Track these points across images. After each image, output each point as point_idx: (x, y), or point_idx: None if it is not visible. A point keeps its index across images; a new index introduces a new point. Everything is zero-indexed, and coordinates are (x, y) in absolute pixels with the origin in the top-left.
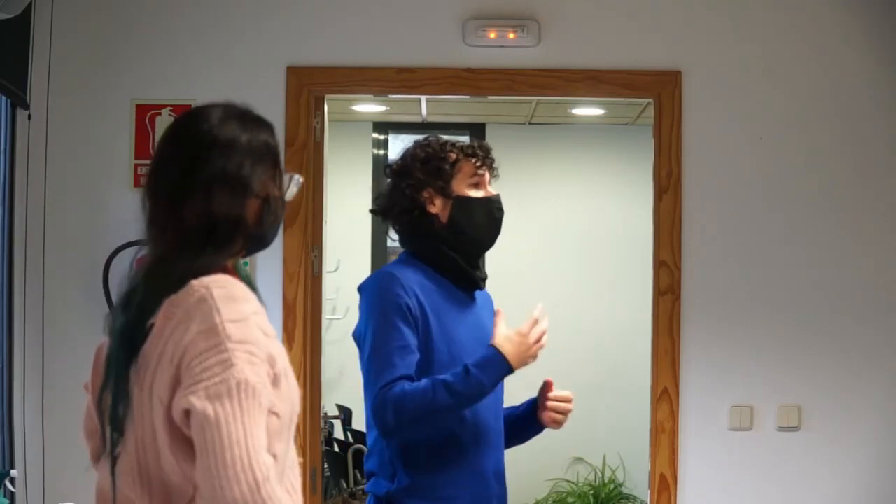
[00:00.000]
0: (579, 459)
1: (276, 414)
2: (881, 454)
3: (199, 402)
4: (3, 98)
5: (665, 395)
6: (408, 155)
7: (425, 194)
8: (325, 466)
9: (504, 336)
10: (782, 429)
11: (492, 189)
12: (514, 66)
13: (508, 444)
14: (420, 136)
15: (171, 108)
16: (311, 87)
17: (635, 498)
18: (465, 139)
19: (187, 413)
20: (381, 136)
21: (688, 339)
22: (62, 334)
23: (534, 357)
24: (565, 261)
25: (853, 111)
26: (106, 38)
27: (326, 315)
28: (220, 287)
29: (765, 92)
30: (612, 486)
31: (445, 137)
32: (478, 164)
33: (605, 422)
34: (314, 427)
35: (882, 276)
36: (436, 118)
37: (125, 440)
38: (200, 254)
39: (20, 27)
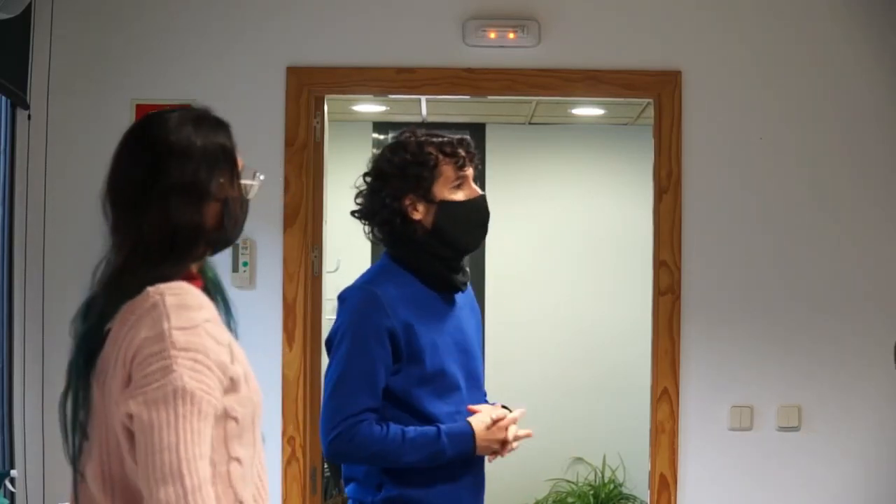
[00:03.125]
0: (579, 459)
1: (234, 418)
2: (881, 454)
3: (136, 408)
4: (3, 98)
5: (665, 395)
6: (384, 160)
7: (407, 201)
8: (325, 466)
9: (480, 419)
10: (782, 429)
11: (475, 186)
12: (514, 66)
13: None
14: (396, 134)
15: (171, 108)
16: (311, 87)
17: (635, 498)
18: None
19: (131, 417)
20: (381, 136)
21: (688, 339)
22: (62, 334)
23: (495, 452)
24: (565, 261)
25: (853, 111)
26: (106, 38)
27: (326, 315)
28: (173, 294)
29: (765, 92)
30: (612, 486)
31: (422, 135)
32: (459, 163)
33: (605, 422)
34: (314, 427)
35: (882, 277)
36: (436, 118)
37: (90, 446)
38: (162, 263)
39: (20, 27)
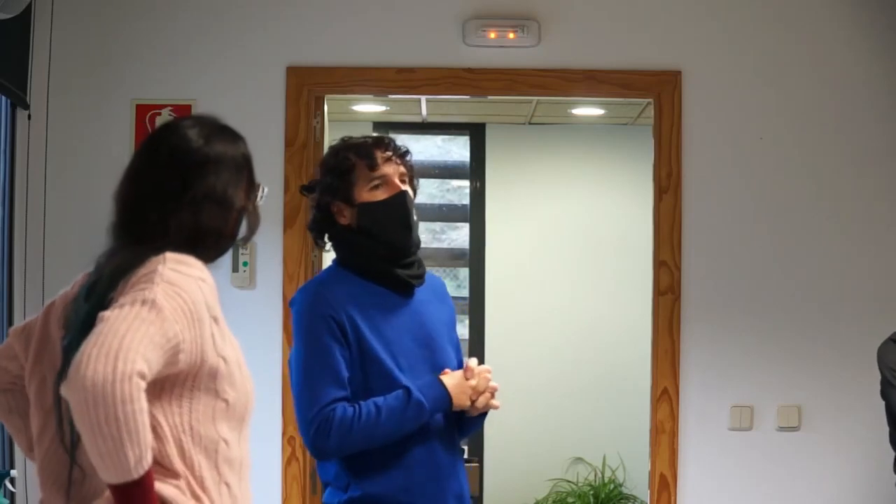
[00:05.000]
0: (579, 459)
1: (224, 400)
2: (881, 454)
3: (103, 312)
4: (3, 98)
5: (665, 395)
6: (315, 171)
7: (334, 208)
8: None
9: (450, 373)
10: (782, 429)
11: (398, 183)
12: (514, 66)
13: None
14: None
15: (171, 108)
16: (311, 87)
17: (635, 498)
18: (466, 138)
19: None
20: None
21: (688, 339)
22: None
23: (471, 396)
24: (565, 261)
25: (852, 111)
26: (106, 38)
27: None
28: (175, 255)
29: (764, 92)
30: (612, 486)
31: (352, 140)
32: (370, 164)
33: (605, 422)
34: None
35: (881, 276)
36: (436, 118)
37: None
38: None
39: (20, 27)
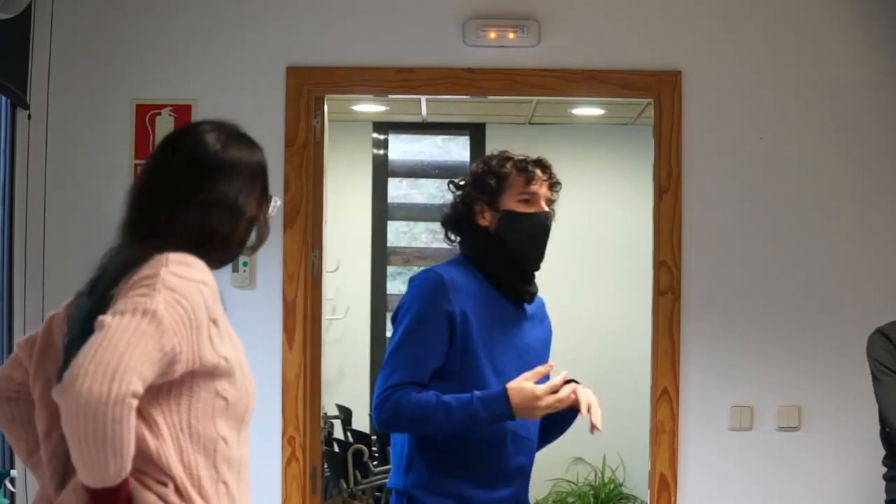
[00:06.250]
0: (579, 459)
1: (224, 398)
2: (881, 454)
3: (103, 316)
4: (3, 98)
5: (665, 395)
6: (469, 171)
7: (477, 208)
8: (325, 466)
9: (519, 385)
10: (782, 429)
11: (544, 205)
12: (514, 66)
13: (547, 439)
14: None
15: (171, 108)
16: (311, 87)
17: (635, 498)
18: (466, 138)
19: None
20: (381, 136)
21: (688, 339)
22: None
23: (535, 417)
24: (565, 261)
25: (852, 111)
26: (106, 38)
27: (326, 315)
28: (178, 255)
29: (764, 92)
30: (612, 486)
31: (512, 153)
32: (528, 178)
33: (606, 422)
34: (314, 427)
35: (881, 276)
36: (436, 118)
37: None
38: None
39: (20, 27)
